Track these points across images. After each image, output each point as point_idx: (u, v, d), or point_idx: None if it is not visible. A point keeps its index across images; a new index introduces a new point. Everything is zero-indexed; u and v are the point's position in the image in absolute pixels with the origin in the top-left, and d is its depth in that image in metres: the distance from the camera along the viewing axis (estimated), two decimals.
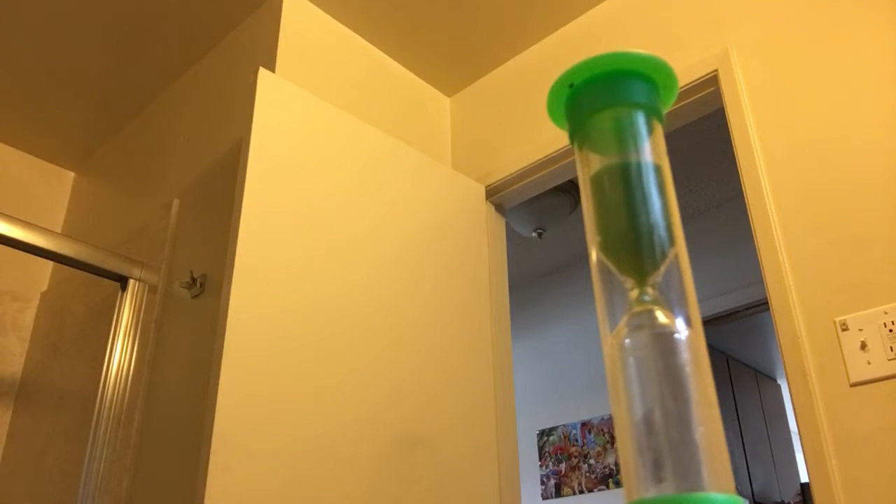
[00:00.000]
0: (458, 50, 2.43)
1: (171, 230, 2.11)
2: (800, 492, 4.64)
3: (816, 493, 1.44)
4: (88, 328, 2.23)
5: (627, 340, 0.46)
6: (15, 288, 2.57)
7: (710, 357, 0.46)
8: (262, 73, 1.75)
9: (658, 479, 0.41)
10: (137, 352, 1.98)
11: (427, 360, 1.87)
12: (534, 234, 3.21)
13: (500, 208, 2.40)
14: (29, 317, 2.57)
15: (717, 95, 1.91)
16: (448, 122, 2.59)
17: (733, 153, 1.79)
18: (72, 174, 2.93)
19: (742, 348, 4.76)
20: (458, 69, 2.51)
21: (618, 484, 3.60)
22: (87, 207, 2.73)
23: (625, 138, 0.50)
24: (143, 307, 2.04)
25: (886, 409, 1.41)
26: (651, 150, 0.49)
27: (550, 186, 2.32)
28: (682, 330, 0.45)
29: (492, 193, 2.33)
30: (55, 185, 2.86)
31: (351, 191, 1.86)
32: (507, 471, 2.00)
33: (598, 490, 3.66)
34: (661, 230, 0.47)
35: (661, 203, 0.48)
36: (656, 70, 0.50)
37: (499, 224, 2.38)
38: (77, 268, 1.99)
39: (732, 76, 1.84)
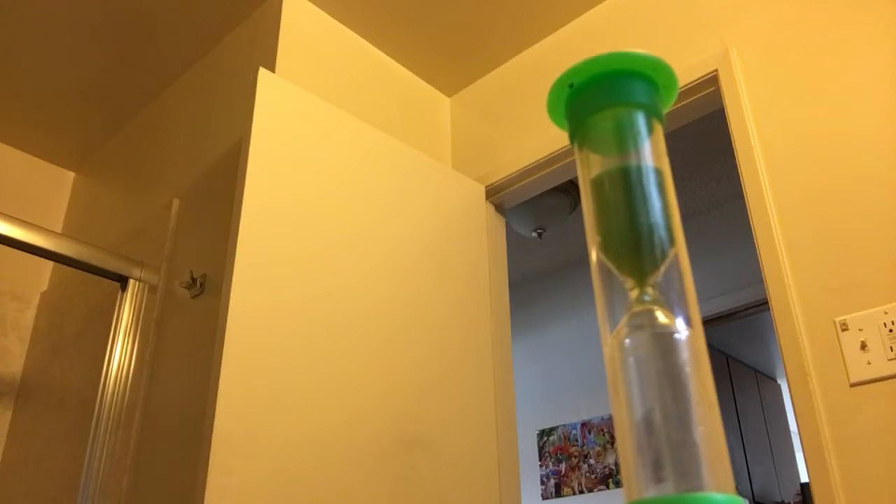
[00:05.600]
0: (459, 50, 2.43)
1: (171, 230, 2.11)
2: (800, 492, 4.64)
3: (816, 493, 1.44)
4: (88, 328, 2.23)
5: (627, 340, 0.46)
6: (15, 288, 2.57)
7: (710, 357, 0.46)
8: (262, 73, 1.75)
9: (658, 479, 0.41)
10: (137, 352, 1.98)
11: (427, 359, 1.87)
12: (534, 234, 3.21)
13: (500, 208, 2.40)
14: (29, 317, 2.57)
15: (717, 95, 1.91)
16: (448, 122, 2.59)
17: (733, 153, 1.79)
18: (72, 174, 2.93)
19: (742, 348, 4.76)
20: (457, 69, 2.51)
21: (618, 484, 3.60)
22: (87, 207, 2.73)
23: (625, 138, 0.50)
24: (143, 307, 2.04)
25: (886, 409, 1.41)
26: (651, 151, 0.49)
27: (550, 186, 2.32)
28: (682, 330, 0.45)
29: (492, 193, 2.33)
30: (55, 185, 2.86)
31: (351, 191, 1.86)
32: (507, 471, 2.00)
33: (598, 490, 3.66)
34: (661, 230, 0.47)
35: (661, 203, 0.48)
36: (656, 70, 0.50)
37: (499, 224, 2.38)
38: (77, 268, 1.99)
39: (732, 76, 1.84)
